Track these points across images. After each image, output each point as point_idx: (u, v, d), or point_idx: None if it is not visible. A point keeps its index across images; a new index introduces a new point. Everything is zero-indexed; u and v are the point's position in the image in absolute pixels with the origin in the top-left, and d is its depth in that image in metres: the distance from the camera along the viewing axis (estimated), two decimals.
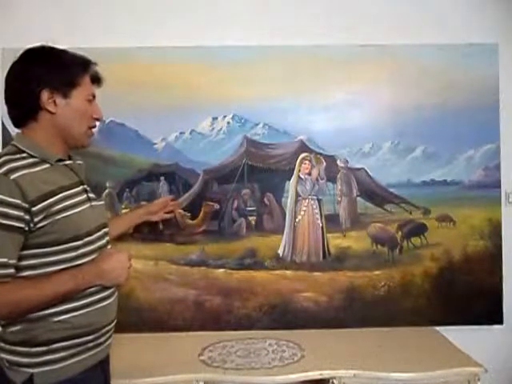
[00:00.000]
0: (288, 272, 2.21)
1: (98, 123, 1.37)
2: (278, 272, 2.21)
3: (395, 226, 2.23)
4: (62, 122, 1.27)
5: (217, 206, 2.21)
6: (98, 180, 2.12)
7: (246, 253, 2.20)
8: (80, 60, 1.29)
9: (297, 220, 2.22)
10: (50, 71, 1.24)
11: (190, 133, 2.20)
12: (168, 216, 1.97)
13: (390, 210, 2.24)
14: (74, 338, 1.24)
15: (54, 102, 1.24)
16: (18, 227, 1.15)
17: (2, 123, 2.09)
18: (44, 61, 1.25)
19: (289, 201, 2.22)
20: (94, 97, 1.33)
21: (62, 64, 1.26)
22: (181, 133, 2.20)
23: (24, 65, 1.25)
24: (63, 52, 1.28)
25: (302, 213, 2.22)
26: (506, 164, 2.22)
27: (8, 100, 1.27)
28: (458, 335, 2.06)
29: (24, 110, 1.25)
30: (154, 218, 1.91)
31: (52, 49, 1.28)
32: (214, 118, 2.21)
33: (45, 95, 1.23)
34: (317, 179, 2.22)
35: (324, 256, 2.22)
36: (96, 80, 1.34)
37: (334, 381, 1.76)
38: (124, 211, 2.16)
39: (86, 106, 1.30)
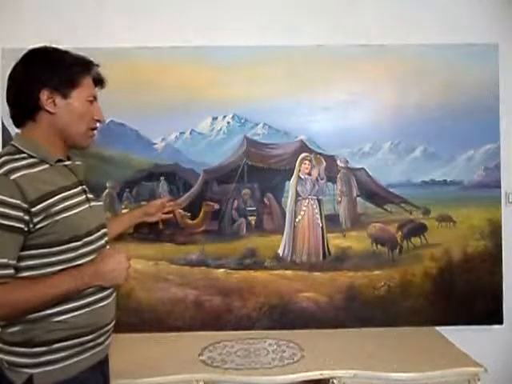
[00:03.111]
0: (288, 272, 2.21)
1: (98, 125, 1.37)
2: (277, 272, 2.21)
3: (395, 226, 2.23)
4: (61, 123, 1.27)
5: (217, 206, 2.21)
6: (97, 180, 2.12)
7: (245, 253, 2.20)
8: (81, 61, 1.29)
9: (297, 220, 2.22)
10: (49, 71, 1.24)
11: (190, 133, 2.20)
12: (166, 217, 1.94)
13: (390, 210, 2.24)
14: (73, 339, 1.23)
15: (54, 102, 1.24)
16: (18, 228, 1.15)
17: (2, 123, 2.09)
18: (44, 61, 1.26)
19: (289, 201, 2.22)
20: (95, 98, 1.33)
21: (62, 64, 1.26)
22: (181, 133, 2.20)
23: (25, 65, 1.25)
24: (65, 53, 1.28)
25: (302, 213, 2.22)
26: (506, 164, 2.23)
27: (9, 100, 1.27)
28: (458, 335, 2.06)
29: (24, 110, 1.25)
30: (152, 219, 1.88)
31: (54, 49, 1.28)
32: (214, 118, 2.21)
33: (44, 95, 1.23)
34: (317, 179, 2.22)
35: (324, 256, 2.22)
36: (98, 81, 1.34)
37: (334, 381, 1.76)
38: (124, 211, 2.16)
39: (86, 106, 1.30)
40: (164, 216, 1.91)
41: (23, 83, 1.24)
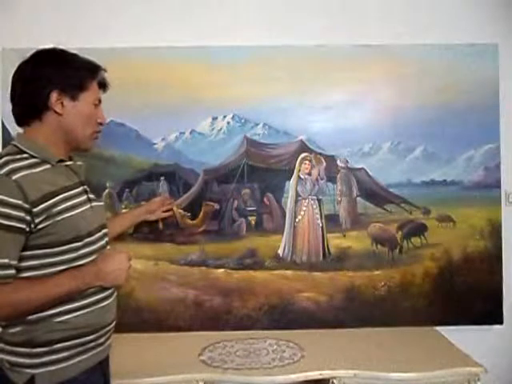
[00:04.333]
0: (288, 272, 2.21)
1: (101, 127, 1.38)
2: (277, 272, 2.21)
3: (395, 226, 2.23)
4: (67, 124, 1.28)
5: (217, 206, 2.21)
6: (97, 180, 2.12)
7: (246, 253, 2.20)
8: (90, 65, 1.31)
9: (297, 220, 2.22)
10: (60, 73, 1.25)
11: (190, 133, 2.20)
12: (166, 214, 1.98)
13: (390, 210, 2.24)
14: (74, 339, 1.24)
15: (62, 103, 1.25)
16: (19, 228, 1.15)
17: (2, 123, 2.09)
18: (55, 62, 1.27)
19: (289, 201, 2.22)
20: (99, 102, 1.34)
21: (72, 67, 1.27)
22: (181, 133, 2.20)
23: (35, 65, 1.26)
24: (74, 55, 1.30)
25: (302, 213, 2.22)
26: (506, 164, 2.22)
27: (14, 98, 1.27)
28: (458, 335, 2.06)
29: (30, 110, 1.26)
30: (152, 218, 1.93)
31: (63, 51, 1.30)
32: (214, 118, 2.20)
33: (54, 96, 1.24)
34: (317, 179, 2.22)
35: (324, 256, 2.22)
36: (102, 85, 1.36)
37: (334, 381, 1.76)
38: (124, 211, 2.16)
39: (92, 109, 1.31)
40: (164, 214, 1.96)
41: (32, 83, 1.24)
